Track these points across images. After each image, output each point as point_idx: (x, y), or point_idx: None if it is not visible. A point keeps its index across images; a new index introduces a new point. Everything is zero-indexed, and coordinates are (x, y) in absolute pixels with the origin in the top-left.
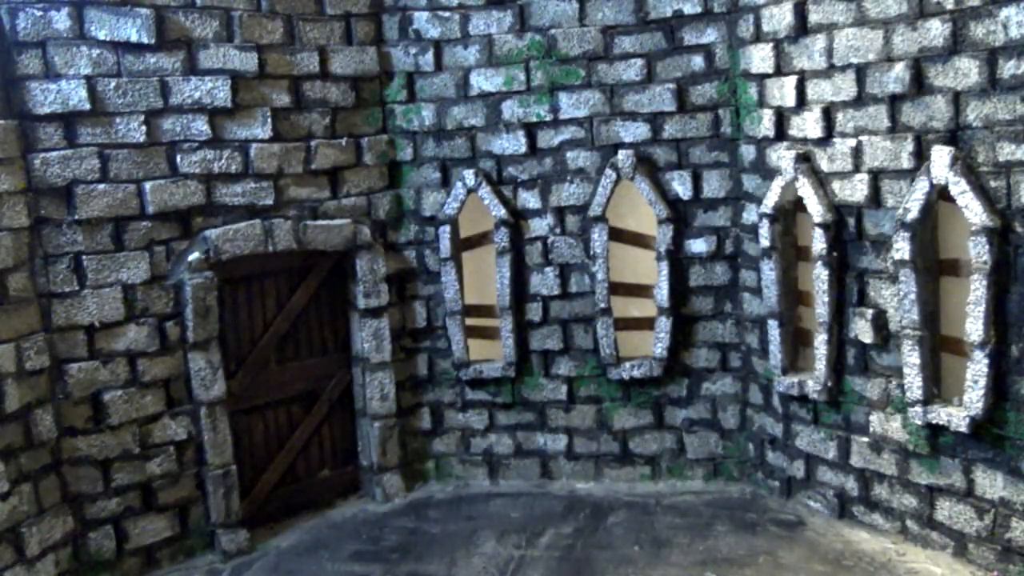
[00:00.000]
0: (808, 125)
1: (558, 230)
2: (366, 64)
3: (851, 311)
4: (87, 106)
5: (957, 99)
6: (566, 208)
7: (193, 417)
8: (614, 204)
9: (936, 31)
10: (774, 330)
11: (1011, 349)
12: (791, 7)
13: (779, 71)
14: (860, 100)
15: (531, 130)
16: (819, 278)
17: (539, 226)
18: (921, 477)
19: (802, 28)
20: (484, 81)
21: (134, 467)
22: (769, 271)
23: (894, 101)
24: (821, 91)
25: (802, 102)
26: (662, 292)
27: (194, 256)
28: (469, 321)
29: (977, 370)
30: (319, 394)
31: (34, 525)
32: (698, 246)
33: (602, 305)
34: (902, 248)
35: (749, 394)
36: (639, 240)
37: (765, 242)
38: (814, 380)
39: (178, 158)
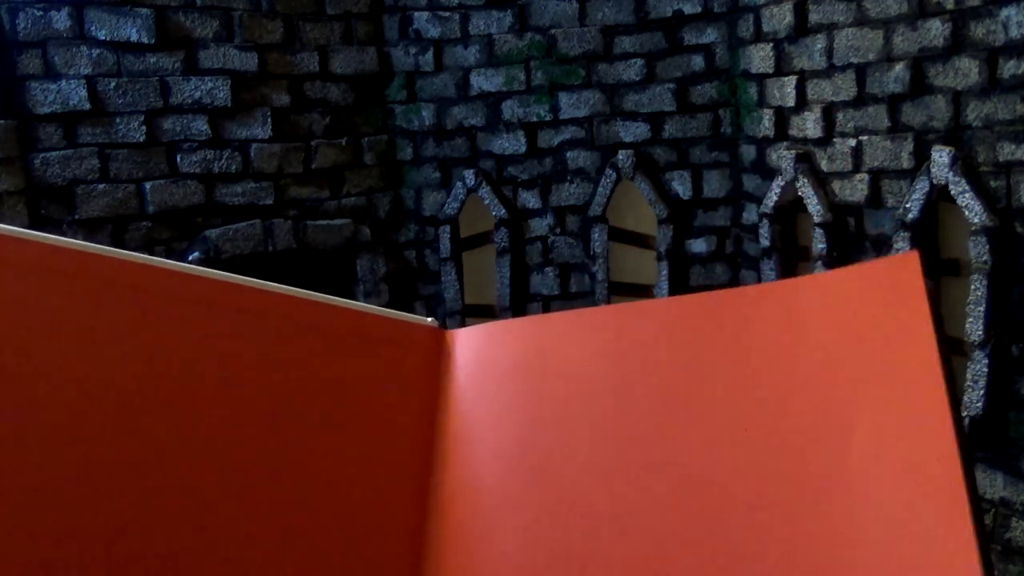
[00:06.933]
0: (808, 125)
1: (558, 230)
2: (366, 64)
3: None
4: (87, 106)
5: (957, 99)
6: (566, 208)
7: None
8: (614, 204)
9: (936, 31)
10: None
11: (1011, 349)
12: (791, 7)
13: (779, 71)
14: (860, 100)
15: (531, 130)
16: None
17: (539, 226)
18: None
19: (802, 28)
20: (484, 81)
21: None
22: (769, 271)
23: (894, 101)
24: (821, 91)
25: (802, 102)
26: (662, 292)
27: (194, 256)
28: (469, 321)
29: (977, 370)
30: None
31: None
32: (698, 246)
33: (602, 305)
34: (902, 248)
35: None
36: (639, 240)
37: (765, 242)
38: None
39: (178, 158)
